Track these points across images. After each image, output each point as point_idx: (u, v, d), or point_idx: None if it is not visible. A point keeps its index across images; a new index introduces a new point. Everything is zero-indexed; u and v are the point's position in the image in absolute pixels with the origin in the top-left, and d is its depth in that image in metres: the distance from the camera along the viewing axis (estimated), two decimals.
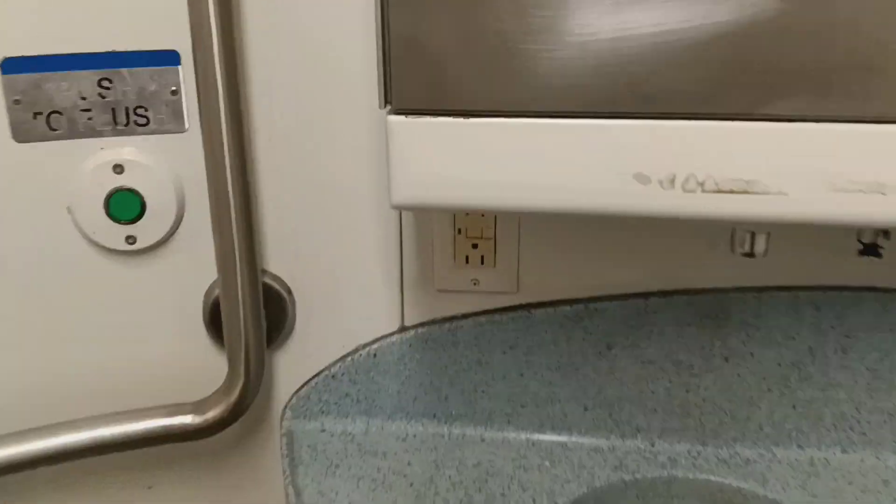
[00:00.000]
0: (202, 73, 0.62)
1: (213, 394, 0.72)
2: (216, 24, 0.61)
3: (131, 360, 0.75)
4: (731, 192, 0.51)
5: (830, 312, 0.72)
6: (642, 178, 0.51)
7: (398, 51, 0.51)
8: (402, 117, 0.52)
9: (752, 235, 0.57)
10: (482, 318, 0.75)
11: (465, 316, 0.76)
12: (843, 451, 0.75)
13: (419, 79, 0.51)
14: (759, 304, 0.72)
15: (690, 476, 0.74)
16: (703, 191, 0.51)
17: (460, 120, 0.52)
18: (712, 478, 0.73)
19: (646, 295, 0.73)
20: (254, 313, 0.70)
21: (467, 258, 0.74)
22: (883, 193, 0.50)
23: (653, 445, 0.77)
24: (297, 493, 0.71)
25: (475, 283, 0.75)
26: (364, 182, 0.71)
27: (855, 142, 0.49)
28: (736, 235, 0.58)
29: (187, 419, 0.71)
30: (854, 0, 0.46)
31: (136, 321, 0.74)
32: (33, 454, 0.70)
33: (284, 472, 0.74)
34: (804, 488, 0.72)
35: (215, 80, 0.63)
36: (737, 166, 0.50)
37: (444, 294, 0.75)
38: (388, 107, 0.53)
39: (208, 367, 0.75)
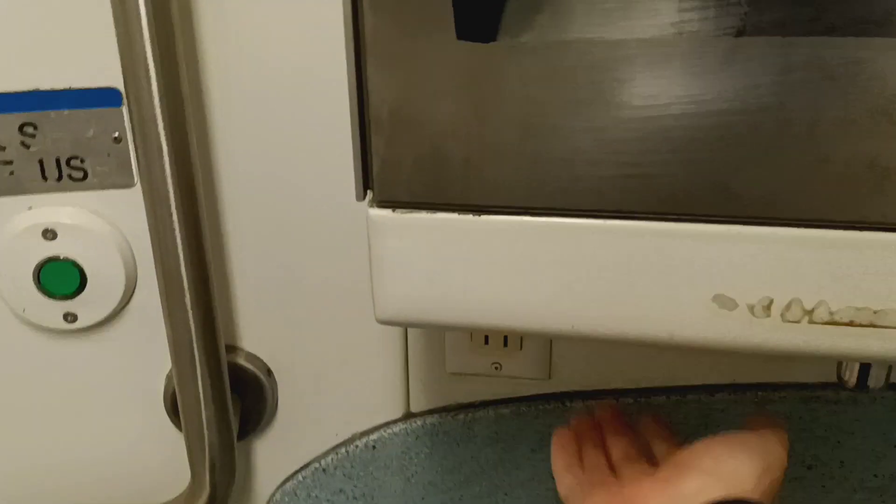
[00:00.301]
0: (138, 117, 0.48)
1: (173, 501, 0.59)
2: (154, 59, 0.46)
3: (78, 459, 0.62)
4: (851, 324, 0.36)
5: None
6: (726, 303, 0.36)
7: (380, 124, 0.36)
8: (387, 211, 0.38)
9: (868, 367, 0.42)
10: (505, 409, 0.61)
11: (484, 404, 0.62)
12: None
13: (410, 161, 0.36)
14: (854, 405, 0.57)
15: None
16: (812, 321, 0.36)
17: (468, 217, 0.37)
18: None
19: (711, 389, 0.58)
20: (218, 408, 0.57)
21: (487, 338, 0.59)
22: None
23: None
24: None
25: (497, 368, 0.60)
26: (357, 243, 0.57)
27: None
28: (845, 371, 0.43)
29: None
30: None
31: (83, 412, 0.61)
32: None
33: None
34: None
35: (155, 126, 0.48)
36: (861, 290, 0.35)
37: (459, 377, 0.61)
38: (370, 196, 0.38)
39: (173, 464, 0.62)
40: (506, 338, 0.59)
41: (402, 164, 0.36)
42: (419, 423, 0.63)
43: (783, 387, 0.58)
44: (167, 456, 0.63)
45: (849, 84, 0.32)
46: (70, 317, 0.57)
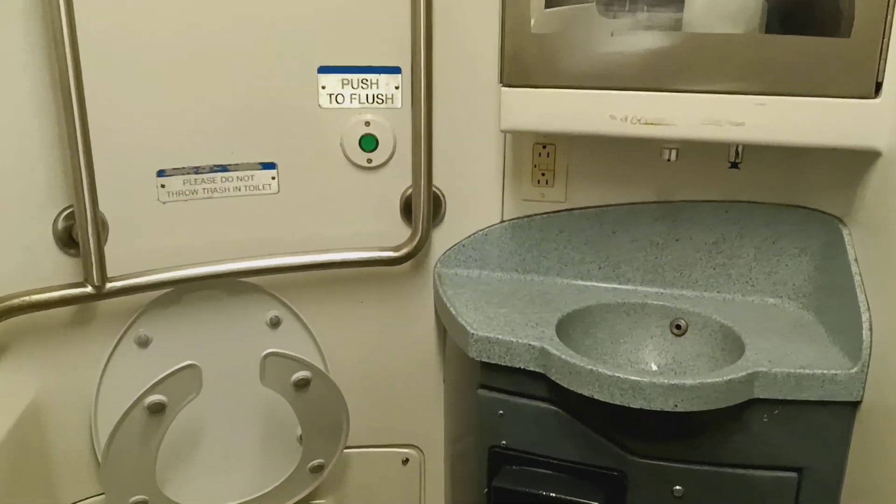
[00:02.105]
0: (416, 78, 1.31)
1: (404, 242, 1.39)
2: (423, 52, 1.30)
3: (362, 228, 1.42)
4: (653, 124, 1.16)
5: (733, 215, 1.33)
6: (613, 117, 1.17)
7: (508, 57, 1.18)
8: (508, 89, 1.20)
9: (669, 151, 1.21)
10: (546, 216, 1.40)
11: (537, 214, 1.41)
12: (742, 295, 1.36)
13: (517, 69, 1.19)
14: (696, 210, 1.34)
15: (657, 303, 1.35)
16: (641, 123, 1.16)
17: (533, 90, 1.19)
18: (667, 304, 1.35)
19: (634, 204, 1.37)
20: (427, 204, 1.37)
21: (538, 181, 1.39)
22: (719, 125, 1.14)
23: (636, 288, 1.39)
24: (445, 293, 1.36)
25: (542, 196, 1.40)
26: (486, 135, 1.38)
27: (709, 103, 1.14)
28: (662, 152, 1.22)
29: (390, 253, 1.38)
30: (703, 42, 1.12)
31: (366, 207, 1.41)
32: (295, 263, 1.37)
33: (437, 288, 1.40)
34: (719, 312, 1.32)
35: (420, 82, 1.32)
36: (657, 112, 1.15)
37: (526, 202, 1.41)
38: (501, 83, 1.20)
39: (398, 235, 1.42)
40: (547, 180, 1.39)
41: (513, 69, 1.18)
42: (507, 223, 1.42)
43: (665, 202, 1.35)
44: (396, 233, 1.43)
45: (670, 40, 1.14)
46: (369, 160, 1.39)
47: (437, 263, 1.45)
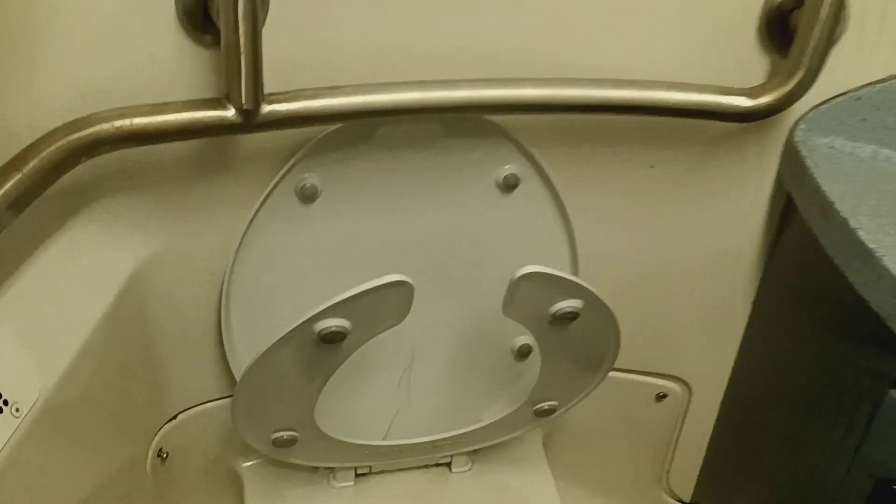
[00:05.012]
0: None
1: (769, 82, 0.78)
2: None
3: (677, 46, 0.81)
4: None
5: None
6: None
7: None
8: None
9: None
10: None
11: None
12: None
13: None
14: None
15: None
16: None
17: None
18: None
19: None
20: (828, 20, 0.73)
21: None
22: None
23: None
24: (820, 183, 0.76)
25: None
26: None
27: None
28: None
29: (739, 100, 0.78)
30: None
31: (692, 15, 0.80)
32: (561, 99, 0.78)
33: (796, 168, 0.79)
34: None
35: None
36: None
37: None
38: None
39: (738, 68, 0.80)
40: None
41: None
42: None
43: None
44: (728, 64, 0.81)
45: None
46: None
47: (798, 122, 0.84)
